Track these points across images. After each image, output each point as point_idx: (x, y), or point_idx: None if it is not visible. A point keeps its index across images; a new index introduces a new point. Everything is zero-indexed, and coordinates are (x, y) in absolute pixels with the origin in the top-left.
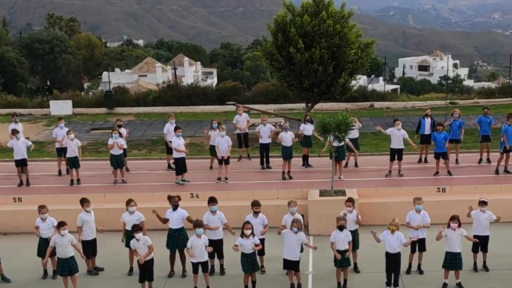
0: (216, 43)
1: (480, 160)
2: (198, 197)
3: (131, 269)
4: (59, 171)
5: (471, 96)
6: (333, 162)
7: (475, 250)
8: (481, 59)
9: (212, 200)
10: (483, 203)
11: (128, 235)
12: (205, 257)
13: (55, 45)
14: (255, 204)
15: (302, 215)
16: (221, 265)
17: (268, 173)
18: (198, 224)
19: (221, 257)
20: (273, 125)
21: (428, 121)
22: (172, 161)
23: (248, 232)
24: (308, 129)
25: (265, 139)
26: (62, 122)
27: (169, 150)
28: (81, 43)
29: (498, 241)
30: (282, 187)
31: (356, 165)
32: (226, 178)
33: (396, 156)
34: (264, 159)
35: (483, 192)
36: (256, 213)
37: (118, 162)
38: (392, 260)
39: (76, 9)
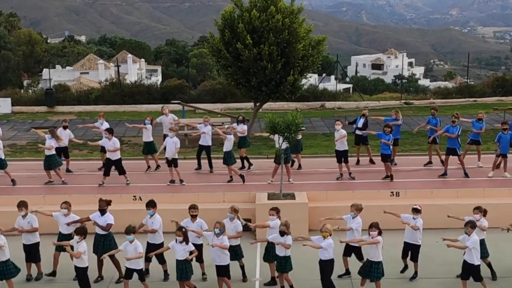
0: (161, 39)
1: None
2: (141, 199)
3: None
4: None
5: (426, 96)
6: (282, 164)
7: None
8: (438, 58)
9: (149, 204)
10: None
11: (61, 239)
12: (140, 265)
13: None
14: (192, 207)
15: (249, 219)
16: (165, 271)
17: (214, 176)
18: (128, 230)
19: (163, 262)
20: (220, 125)
21: (361, 121)
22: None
23: (180, 238)
24: (241, 129)
25: (206, 141)
26: None
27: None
28: (21, 39)
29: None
30: (229, 190)
31: (299, 167)
32: (181, 181)
33: (342, 159)
34: (201, 161)
35: (438, 196)
36: (193, 217)
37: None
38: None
39: (16, 4)
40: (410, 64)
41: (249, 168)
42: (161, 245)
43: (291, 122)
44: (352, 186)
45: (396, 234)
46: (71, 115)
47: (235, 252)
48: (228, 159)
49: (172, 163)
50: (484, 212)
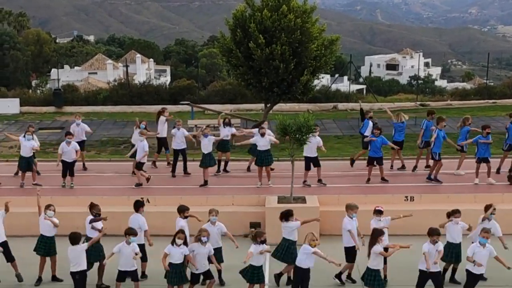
0: (170, 39)
1: (415, 168)
2: (148, 201)
3: (39, 278)
4: None
5: (443, 98)
6: (293, 167)
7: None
8: (456, 58)
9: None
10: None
11: (46, 242)
12: (135, 266)
13: (4, 41)
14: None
15: (259, 223)
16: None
17: (223, 178)
18: (130, 232)
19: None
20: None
21: (371, 124)
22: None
23: (180, 241)
24: (225, 132)
25: (178, 144)
26: None
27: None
28: (30, 39)
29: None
30: (238, 193)
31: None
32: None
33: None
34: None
35: (455, 201)
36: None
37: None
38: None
39: (24, 3)
40: (426, 64)
41: (221, 172)
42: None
43: (302, 124)
44: (365, 190)
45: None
46: (77, 115)
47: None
48: (205, 161)
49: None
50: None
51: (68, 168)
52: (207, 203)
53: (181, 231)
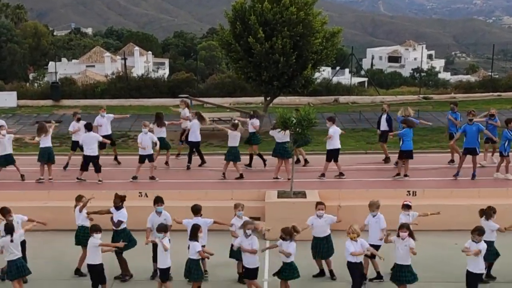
0: (169, 31)
1: (452, 161)
2: (147, 196)
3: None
4: None
5: (447, 91)
6: (293, 161)
7: None
8: (460, 50)
9: (158, 200)
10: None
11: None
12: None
13: (1, 34)
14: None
15: (259, 218)
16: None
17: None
18: (161, 229)
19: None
20: (228, 120)
21: (384, 117)
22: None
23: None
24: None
25: (194, 137)
26: None
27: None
28: (28, 32)
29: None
30: (237, 187)
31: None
32: (152, 177)
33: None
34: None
35: (458, 196)
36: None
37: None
38: (358, 269)
39: None
40: (429, 56)
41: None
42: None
43: (303, 117)
44: (366, 184)
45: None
46: (76, 109)
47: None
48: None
49: (148, 158)
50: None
51: (90, 163)
52: (206, 197)
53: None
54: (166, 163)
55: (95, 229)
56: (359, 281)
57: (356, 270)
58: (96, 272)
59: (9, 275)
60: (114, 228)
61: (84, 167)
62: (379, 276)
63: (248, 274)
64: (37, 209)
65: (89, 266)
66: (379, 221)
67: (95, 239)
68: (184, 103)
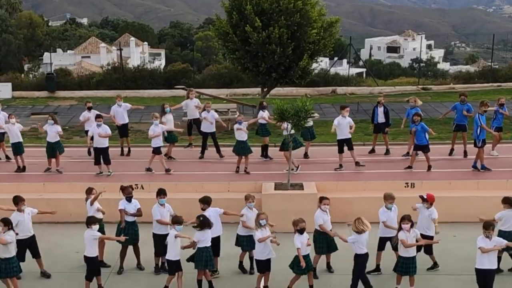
0: (165, 21)
1: (452, 151)
2: (143, 188)
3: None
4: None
5: (446, 81)
6: (290, 153)
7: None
8: (459, 40)
9: (161, 192)
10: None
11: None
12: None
13: None
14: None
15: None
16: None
17: (219, 164)
18: (177, 220)
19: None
20: (225, 112)
21: (381, 110)
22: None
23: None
24: (265, 116)
25: (208, 127)
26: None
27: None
28: (22, 22)
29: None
30: (234, 179)
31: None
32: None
33: (345, 147)
34: (207, 148)
35: (457, 188)
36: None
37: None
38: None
39: None
40: (428, 46)
41: (266, 158)
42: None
43: (300, 108)
44: (364, 176)
45: None
46: (72, 100)
47: (250, 242)
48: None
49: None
50: None
51: (101, 154)
52: (202, 189)
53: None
54: (165, 155)
55: (92, 221)
56: (358, 275)
57: (360, 263)
58: (92, 264)
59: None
60: (130, 219)
61: (97, 161)
62: (377, 269)
63: (261, 266)
64: (32, 201)
65: (85, 258)
66: (395, 211)
67: (92, 231)
68: (193, 92)
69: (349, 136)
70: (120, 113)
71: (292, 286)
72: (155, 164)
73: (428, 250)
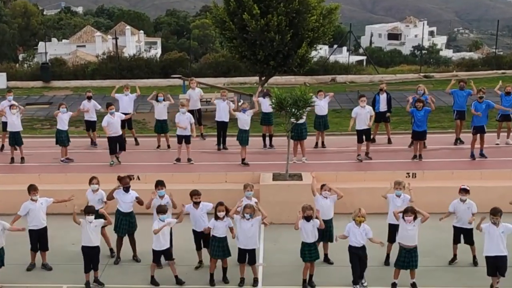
0: (161, 9)
1: (457, 140)
2: (139, 179)
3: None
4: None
5: (449, 69)
6: (288, 142)
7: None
8: (462, 26)
9: (159, 184)
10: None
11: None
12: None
13: None
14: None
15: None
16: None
17: (217, 154)
18: (162, 210)
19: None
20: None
21: (383, 97)
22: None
23: (221, 214)
24: (266, 104)
25: (223, 117)
26: (11, 95)
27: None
28: (17, 11)
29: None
30: (231, 170)
31: (322, 145)
32: (189, 159)
33: (364, 137)
34: (221, 139)
35: (460, 178)
36: (196, 204)
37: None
38: (357, 254)
39: None
40: (431, 33)
41: (269, 147)
42: None
43: (299, 97)
44: (364, 166)
45: None
46: (67, 90)
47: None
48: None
49: (185, 139)
50: None
51: (117, 142)
52: (199, 180)
53: (220, 203)
54: (158, 147)
55: (89, 211)
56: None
57: (354, 255)
58: (93, 254)
59: None
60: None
61: (113, 150)
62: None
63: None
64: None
65: (83, 248)
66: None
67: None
68: (194, 81)
69: (369, 127)
70: (127, 102)
71: (307, 274)
72: (154, 154)
73: (470, 240)
